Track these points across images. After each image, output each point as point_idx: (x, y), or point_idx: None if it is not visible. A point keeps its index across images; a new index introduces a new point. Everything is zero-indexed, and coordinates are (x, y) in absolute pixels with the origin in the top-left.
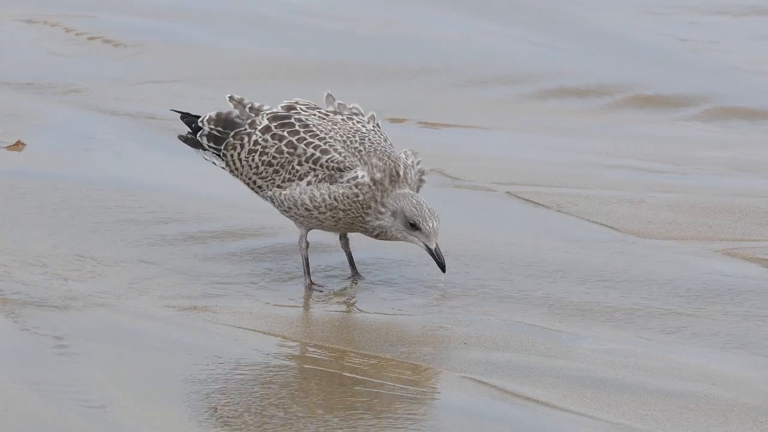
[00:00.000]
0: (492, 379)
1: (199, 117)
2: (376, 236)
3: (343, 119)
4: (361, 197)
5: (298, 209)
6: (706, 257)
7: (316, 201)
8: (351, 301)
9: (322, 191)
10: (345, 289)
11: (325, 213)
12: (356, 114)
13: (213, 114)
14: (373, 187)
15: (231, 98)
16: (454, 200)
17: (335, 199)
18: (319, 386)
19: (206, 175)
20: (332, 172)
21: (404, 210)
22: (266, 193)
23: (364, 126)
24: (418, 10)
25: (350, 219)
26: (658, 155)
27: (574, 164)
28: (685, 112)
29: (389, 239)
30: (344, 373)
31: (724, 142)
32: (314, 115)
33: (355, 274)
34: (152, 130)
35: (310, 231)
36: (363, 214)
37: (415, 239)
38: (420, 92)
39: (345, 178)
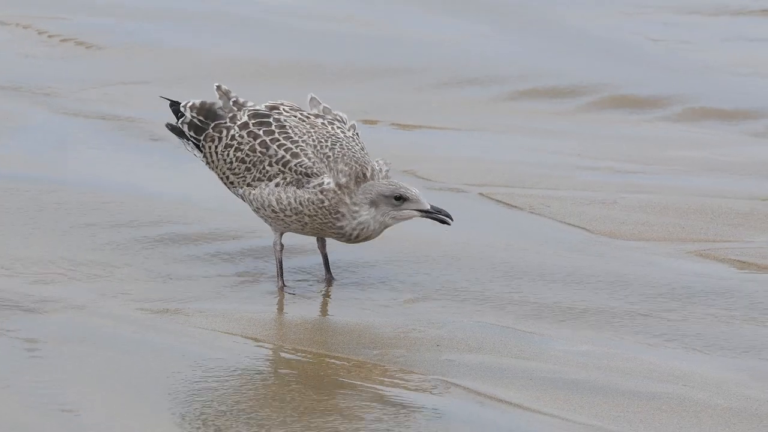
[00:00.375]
0: (465, 381)
1: (180, 107)
2: (355, 238)
3: (322, 123)
4: (327, 203)
5: (266, 210)
6: (679, 258)
7: (282, 203)
8: (324, 304)
9: (289, 194)
10: (319, 291)
11: (290, 216)
12: (338, 120)
13: (196, 102)
14: (339, 192)
15: (218, 88)
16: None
17: (301, 204)
18: (292, 389)
19: (179, 178)
20: (300, 176)
21: (382, 192)
22: (237, 190)
23: (342, 132)
24: (395, 11)
25: (318, 224)
26: (631, 156)
27: (547, 165)
28: (658, 113)
29: (368, 237)
30: (317, 376)
31: (697, 142)
32: (295, 116)
33: (329, 277)
34: (125, 132)
35: (287, 233)
36: (333, 220)
37: (406, 211)
38: (394, 93)
39: (311, 184)
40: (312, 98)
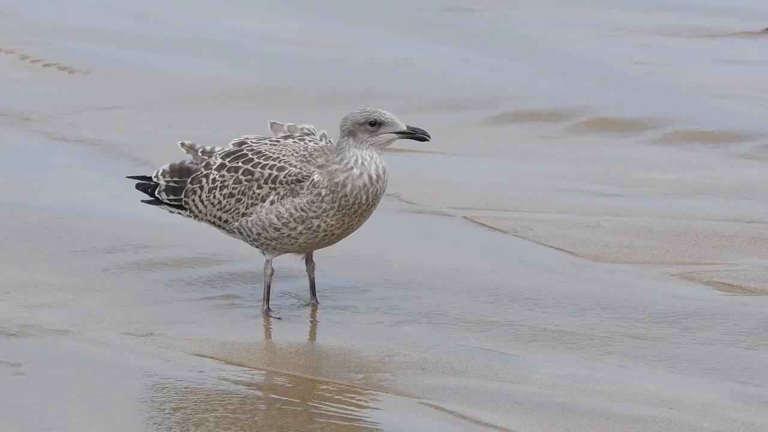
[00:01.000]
0: (450, 404)
1: (151, 177)
2: (371, 192)
3: (294, 141)
4: (323, 190)
5: (268, 231)
6: (663, 281)
7: (283, 218)
8: (309, 328)
9: (287, 206)
10: (304, 315)
11: (296, 228)
12: (308, 134)
13: (166, 167)
14: (322, 171)
15: (182, 144)
16: (410, 225)
17: (303, 210)
18: (277, 413)
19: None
20: (292, 185)
21: (356, 120)
22: (233, 225)
23: (315, 144)
24: (374, 35)
25: (334, 222)
26: (614, 179)
27: (531, 188)
28: (641, 136)
29: (372, 180)
30: (302, 400)
31: (680, 165)
32: (266, 143)
33: (314, 301)
34: (108, 157)
35: (278, 257)
36: (344, 192)
37: (383, 135)
38: None
39: (305, 188)
40: (273, 123)
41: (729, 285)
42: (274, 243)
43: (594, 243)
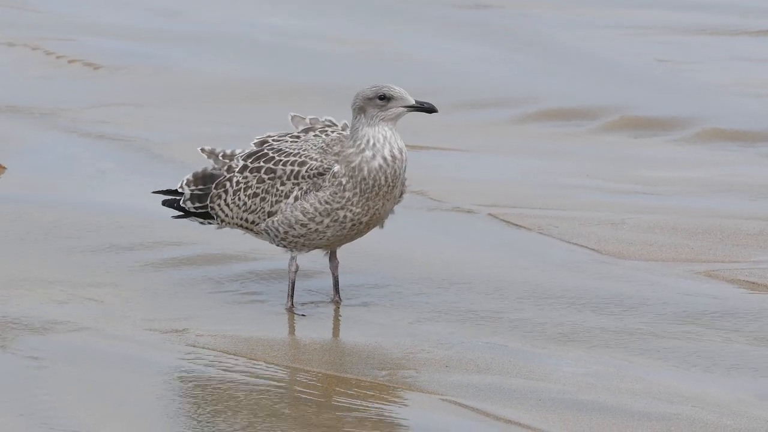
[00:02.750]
0: (474, 401)
1: (176, 190)
2: (392, 169)
3: (315, 135)
4: (344, 179)
5: (295, 229)
6: (687, 279)
7: (309, 213)
8: (332, 325)
9: (311, 201)
10: (327, 312)
11: (323, 222)
12: (329, 126)
13: (189, 176)
14: (339, 159)
15: (203, 150)
16: (435, 222)
17: (327, 203)
18: (300, 409)
19: None
20: (315, 179)
21: (366, 95)
22: (260, 226)
23: (337, 134)
24: (399, 33)
25: (360, 210)
26: (639, 177)
27: (556, 186)
28: (666, 134)
29: (395, 157)
30: (326, 396)
31: (705, 163)
32: (286, 141)
33: (337, 298)
34: (132, 153)
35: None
36: (363, 175)
37: (393, 110)
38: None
39: (327, 180)
40: (294, 116)
41: (753, 283)
42: (302, 240)
43: (618, 240)
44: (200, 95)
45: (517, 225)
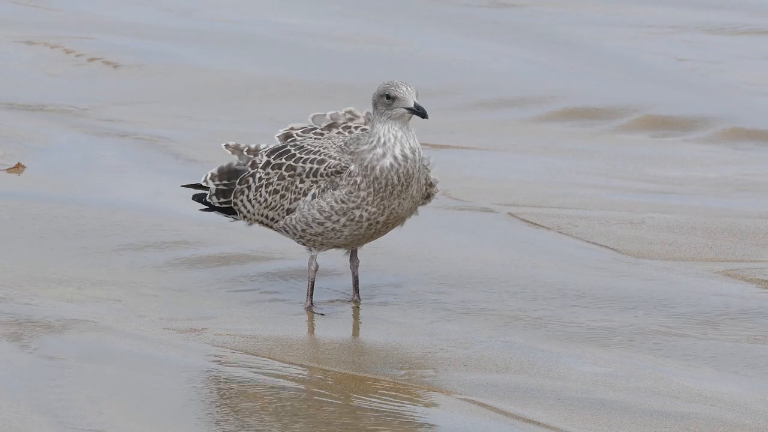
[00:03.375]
0: (493, 401)
1: (202, 183)
2: (403, 166)
3: (339, 132)
4: (360, 177)
5: (312, 227)
6: (706, 278)
7: (325, 212)
8: (351, 324)
9: (328, 199)
10: (345, 311)
11: (339, 221)
12: (352, 119)
13: (215, 170)
14: (355, 158)
15: (227, 146)
16: (455, 221)
17: (343, 202)
18: (319, 409)
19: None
20: (332, 177)
21: (377, 92)
22: (279, 223)
23: (362, 130)
24: (419, 32)
25: (375, 210)
26: (658, 176)
27: (575, 185)
28: (685, 133)
29: (407, 154)
30: (345, 396)
31: (724, 162)
32: (310, 136)
33: (357, 297)
34: (152, 152)
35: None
36: (375, 174)
37: (397, 110)
38: None
39: (344, 179)
40: (314, 116)
41: None
42: (320, 239)
43: (638, 240)
44: (219, 94)
45: (536, 224)
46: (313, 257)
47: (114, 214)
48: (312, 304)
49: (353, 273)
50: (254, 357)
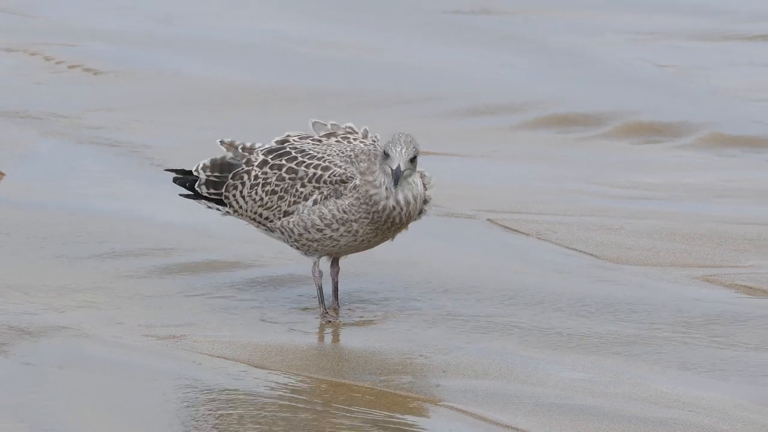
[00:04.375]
0: (471, 407)
1: (190, 171)
2: (403, 213)
3: (338, 140)
4: (361, 197)
5: (310, 232)
6: (685, 284)
7: (326, 219)
8: (330, 330)
9: (330, 207)
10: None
11: (338, 230)
12: (351, 133)
13: (207, 161)
14: (364, 177)
15: (222, 142)
16: (434, 227)
17: (344, 212)
18: (298, 416)
19: (186, 205)
20: (336, 185)
21: (383, 144)
22: (275, 224)
23: (361, 143)
24: (406, 39)
25: (368, 226)
26: (639, 182)
27: (555, 191)
28: (666, 140)
29: (409, 201)
30: (324, 402)
31: (706, 168)
32: (308, 142)
33: (336, 304)
34: (133, 159)
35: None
36: (376, 209)
37: (387, 168)
38: (401, 121)
39: (348, 189)
40: (315, 123)
41: (751, 288)
42: (315, 244)
43: (617, 246)
44: (201, 101)
45: (515, 230)
46: (315, 264)
47: (94, 221)
48: (325, 310)
49: (333, 279)
50: (233, 363)
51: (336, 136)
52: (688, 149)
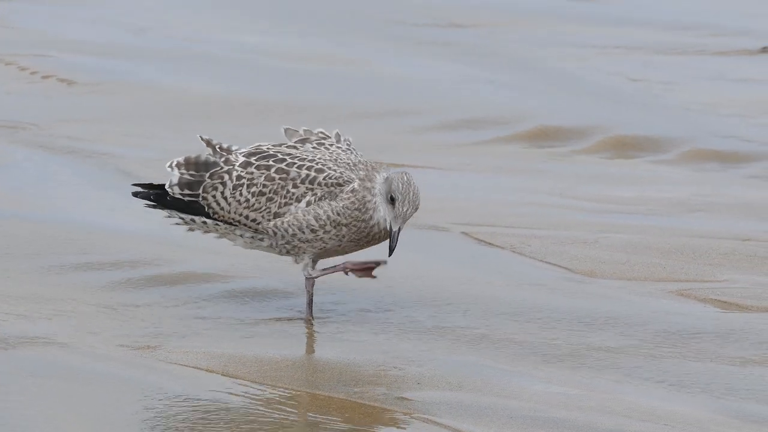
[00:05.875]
0: (446, 419)
1: (155, 186)
2: (386, 233)
3: (314, 147)
4: (357, 203)
5: (304, 233)
6: (659, 298)
7: (321, 220)
8: (304, 341)
9: (325, 208)
10: (298, 329)
11: (330, 231)
12: (324, 138)
13: (181, 159)
14: (363, 183)
15: (201, 138)
16: (408, 240)
17: (338, 214)
18: (272, 426)
19: (160, 217)
20: (332, 188)
21: (392, 181)
22: (265, 224)
23: (338, 148)
24: (378, 52)
25: (354, 233)
26: (614, 197)
27: (529, 205)
28: (643, 154)
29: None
30: (298, 413)
31: (682, 183)
32: (286, 147)
33: (310, 315)
34: (107, 169)
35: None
36: (365, 218)
37: (387, 213)
38: (376, 134)
39: (345, 192)
40: (287, 129)
41: (725, 302)
42: (306, 245)
43: (591, 259)
44: (176, 112)
45: (490, 243)
46: (307, 264)
47: (68, 232)
48: (312, 317)
49: (308, 291)
50: (207, 374)
51: (310, 142)
52: (662, 164)
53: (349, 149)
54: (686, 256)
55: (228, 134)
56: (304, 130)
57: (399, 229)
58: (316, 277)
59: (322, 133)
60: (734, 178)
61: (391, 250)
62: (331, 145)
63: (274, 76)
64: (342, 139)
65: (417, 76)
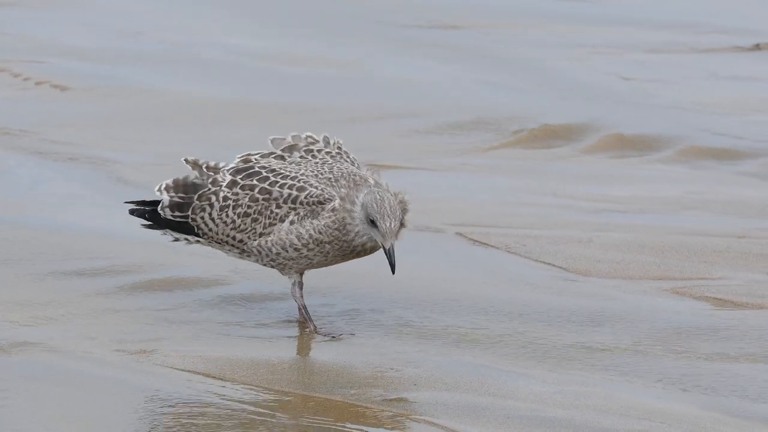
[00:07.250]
0: (443, 419)
1: (149, 202)
2: (371, 249)
3: (301, 156)
4: (336, 223)
5: (288, 252)
6: (655, 296)
7: (303, 239)
8: (300, 344)
9: (307, 227)
10: (294, 332)
11: (313, 249)
12: (312, 143)
13: (169, 182)
14: (343, 203)
15: (186, 161)
16: (404, 241)
17: (320, 233)
18: (268, 429)
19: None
20: (314, 207)
21: (366, 204)
22: (251, 244)
23: (328, 155)
24: (374, 54)
25: (337, 250)
26: (609, 196)
27: (524, 205)
28: (639, 153)
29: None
30: (294, 416)
31: (677, 181)
32: (274, 159)
33: (311, 322)
34: (100, 175)
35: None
36: (346, 238)
37: (375, 236)
38: (372, 136)
39: (326, 210)
40: (273, 139)
41: (720, 300)
42: (291, 263)
43: (586, 258)
44: (169, 116)
45: (484, 243)
46: (294, 283)
47: (62, 238)
48: (315, 327)
49: (297, 301)
50: (203, 378)
51: (299, 150)
52: (656, 162)
53: (339, 153)
54: (681, 254)
55: (222, 138)
56: (292, 136)
57: (392, 245)
58: (299, 297)
59: (310, 137)
60: (728, 176)
61: (393, 267)
62: (320, 151)
63: (269, 79)
64: (331, 142)
65: (412, 78)
